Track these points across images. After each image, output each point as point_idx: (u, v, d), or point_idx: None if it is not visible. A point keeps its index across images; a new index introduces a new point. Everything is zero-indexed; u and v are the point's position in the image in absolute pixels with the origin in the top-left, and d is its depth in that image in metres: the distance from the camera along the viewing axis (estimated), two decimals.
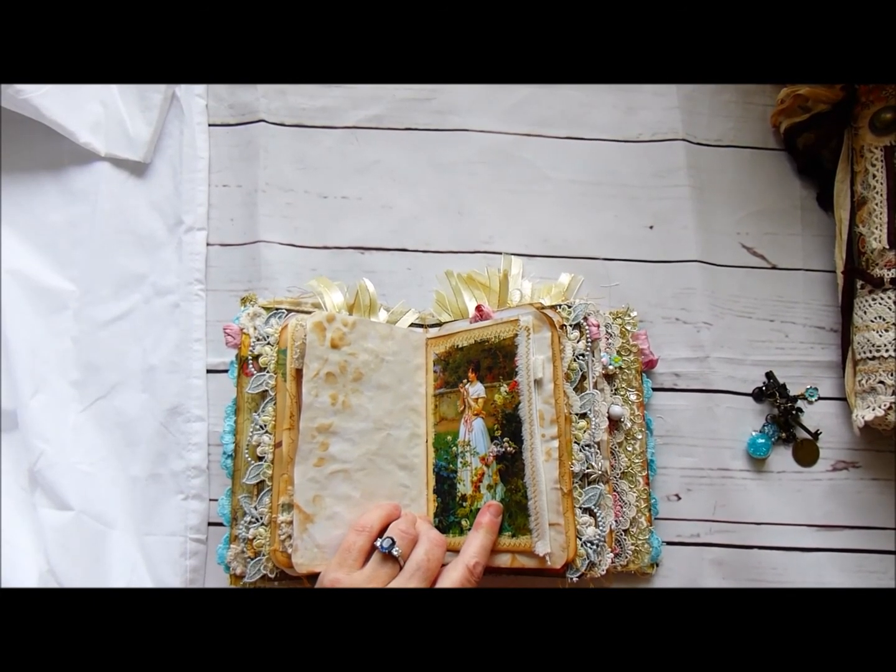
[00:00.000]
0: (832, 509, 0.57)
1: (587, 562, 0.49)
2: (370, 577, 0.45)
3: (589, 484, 0.50)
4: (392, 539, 0.46)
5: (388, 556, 0.46)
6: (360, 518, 0.49)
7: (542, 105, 0.63)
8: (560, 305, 0.53)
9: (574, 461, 0.50)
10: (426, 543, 0.46)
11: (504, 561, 0.49)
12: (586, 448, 0.50)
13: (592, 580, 0.49)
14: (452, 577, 0.45)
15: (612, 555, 0.50)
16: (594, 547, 0.49)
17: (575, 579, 0.49)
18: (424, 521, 0.50)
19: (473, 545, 0.48)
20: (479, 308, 0.54)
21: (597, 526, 0.50)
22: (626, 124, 0.62)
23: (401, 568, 0.45)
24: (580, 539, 0.49)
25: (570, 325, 0.52)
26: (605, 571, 0.49)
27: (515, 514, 0.49)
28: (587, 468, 0.50)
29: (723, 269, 0.60)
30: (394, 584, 0.44)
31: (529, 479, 0.49)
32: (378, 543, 0.46)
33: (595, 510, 0.50)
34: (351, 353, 0.52)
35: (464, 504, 0.52)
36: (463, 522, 0.51)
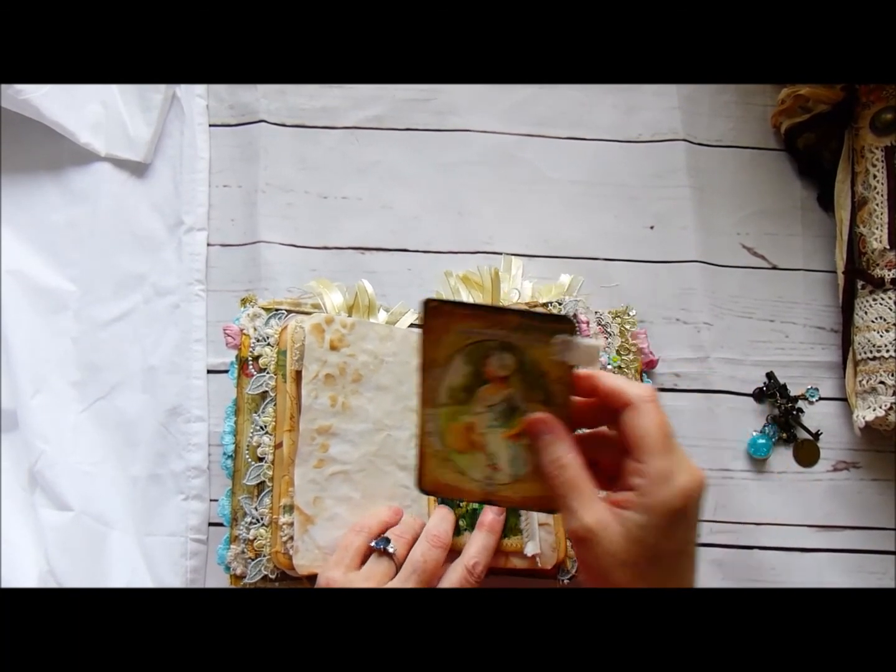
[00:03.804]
0: (832, 510, 0.57)
1: (577, 563, 0.48)
2: (366, 576, 0.44)
3: None
4: (388, 538, 0.46)
5: (383, 555, 0.46)
6: (359, 520, 0.49)
7: (542, 105, 0.63)
8: (551, 303, 0.52)
9: None
10: (423, 544, 0.46)
11: (499, 562, 0.49)
12: None
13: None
14: (451, 579, 0.45)
15: None
16: None
17: (566, 581, 0.48)
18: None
19: (474, 545, 0.47)
20: None
21: None
22: (626, 124, 0.62)
23: (398, 569, 0.45)
24: (570, 540, 0.49)
25: None
26: None
27: (507, 515, 0.49)
28: None
29: (723, 270, 0.60)
30: (390, 585, 0.44)
31: None
32: (373, 543, 0.46)
33: None
34: (350, 355, 0.52)
35: (460, 504, 0.51)
36: (460, 523, 0.51)
